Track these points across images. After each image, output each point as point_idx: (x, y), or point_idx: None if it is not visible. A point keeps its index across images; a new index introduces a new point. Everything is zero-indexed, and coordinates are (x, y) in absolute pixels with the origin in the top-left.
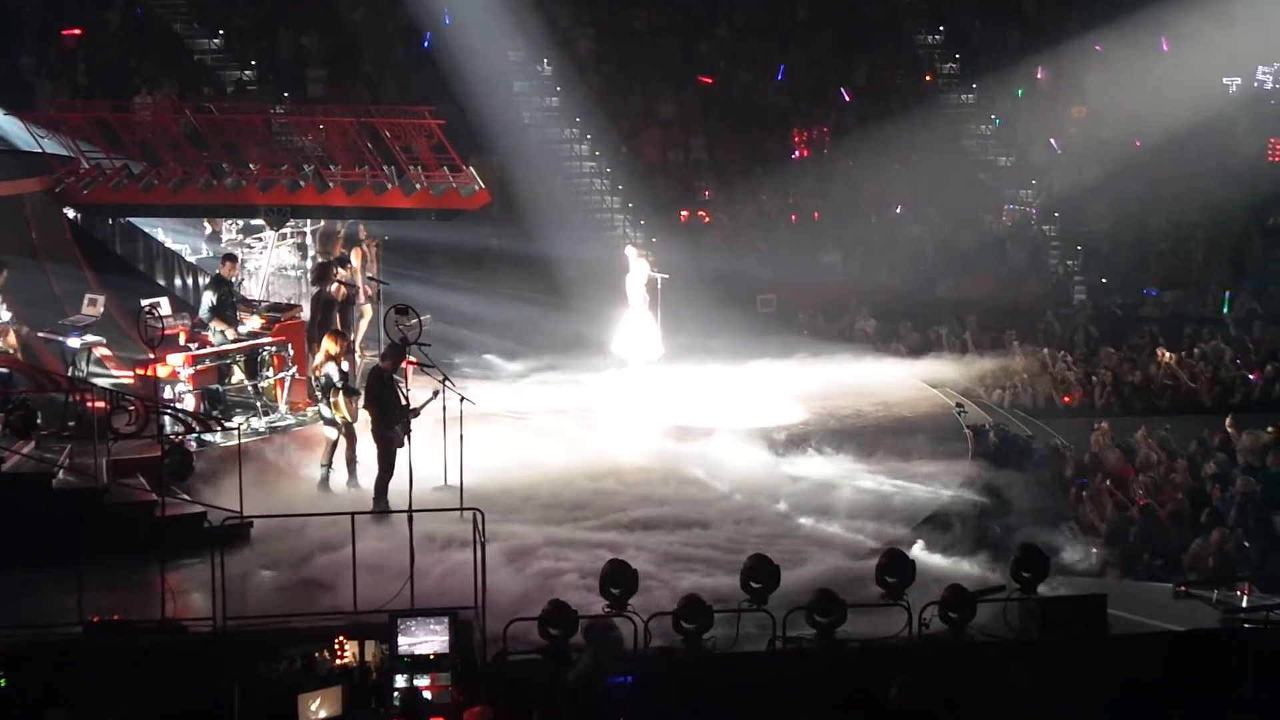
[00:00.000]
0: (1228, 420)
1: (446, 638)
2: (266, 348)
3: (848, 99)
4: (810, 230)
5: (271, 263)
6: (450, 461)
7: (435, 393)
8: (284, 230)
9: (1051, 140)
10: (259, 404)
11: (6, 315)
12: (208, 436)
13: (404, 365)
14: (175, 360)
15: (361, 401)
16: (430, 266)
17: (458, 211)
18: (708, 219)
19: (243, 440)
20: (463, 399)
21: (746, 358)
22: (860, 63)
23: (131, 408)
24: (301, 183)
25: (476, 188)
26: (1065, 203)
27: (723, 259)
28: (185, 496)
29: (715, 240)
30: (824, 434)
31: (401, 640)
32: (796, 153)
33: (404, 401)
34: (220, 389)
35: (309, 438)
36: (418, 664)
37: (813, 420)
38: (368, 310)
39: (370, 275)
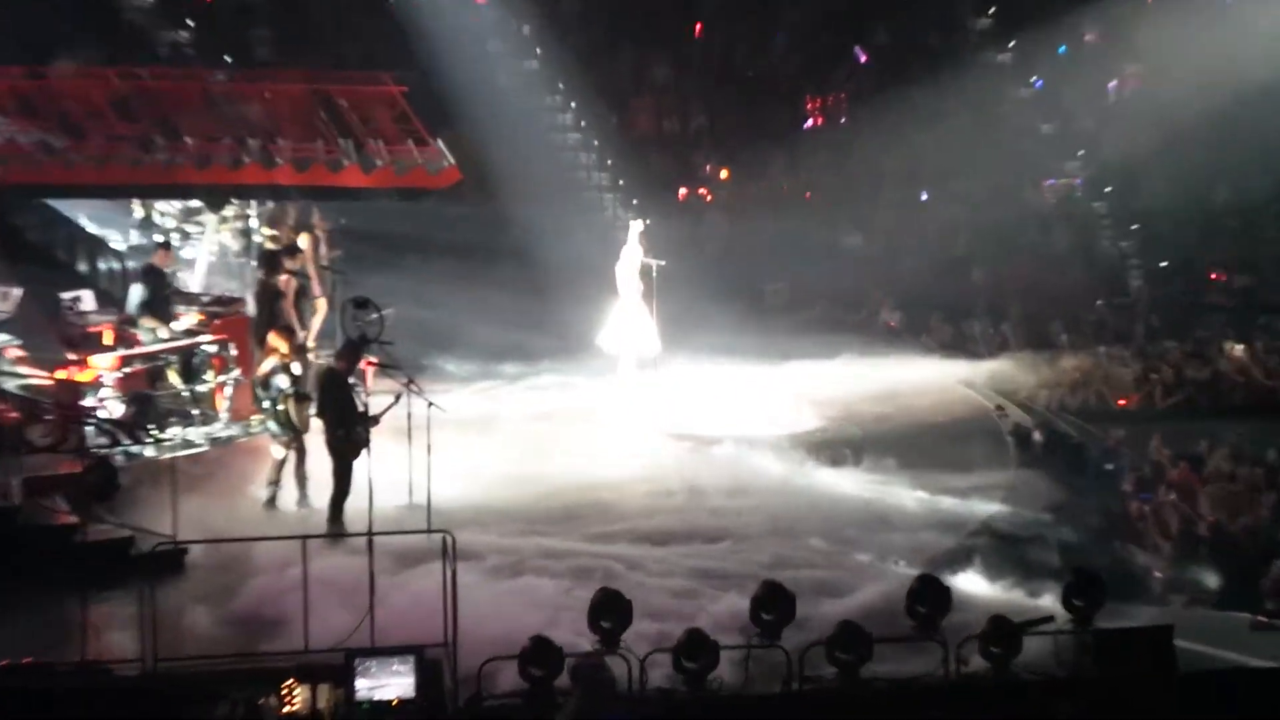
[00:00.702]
0: None
1: (412, 679)
2: (205, 348)
3: (865, 60)
4: (826, 210)
5: (211, 251)
6: (416, 476)
7: (398, 397)
8: (225, 213)
9: (1110, 85)
10: (196, 412)
11: None
12: (137, 450)
13: (362, 366)
14: (100, 362)
15: (314, 409)
16: (393, 254)
17: (424, 191)
18: (709, 197)
19: (178, 454)
20: (430, 404)
21: (754, 355)
22: (880, 19)
23: (49, 417)
24: (245, 159)
25: (445, 164)
26: (1118, 175)
27: (727, 243)
28: (110, 519)
29: (718, 222)
30: (844, 442)
31: (359, 683)
32: (810, 121)
33: (362, 408)
34: (152, 395)
35: (253, 451)
36: (378, 711)
37: (830, 426)
38: (321, 304)
39: (324, 264)
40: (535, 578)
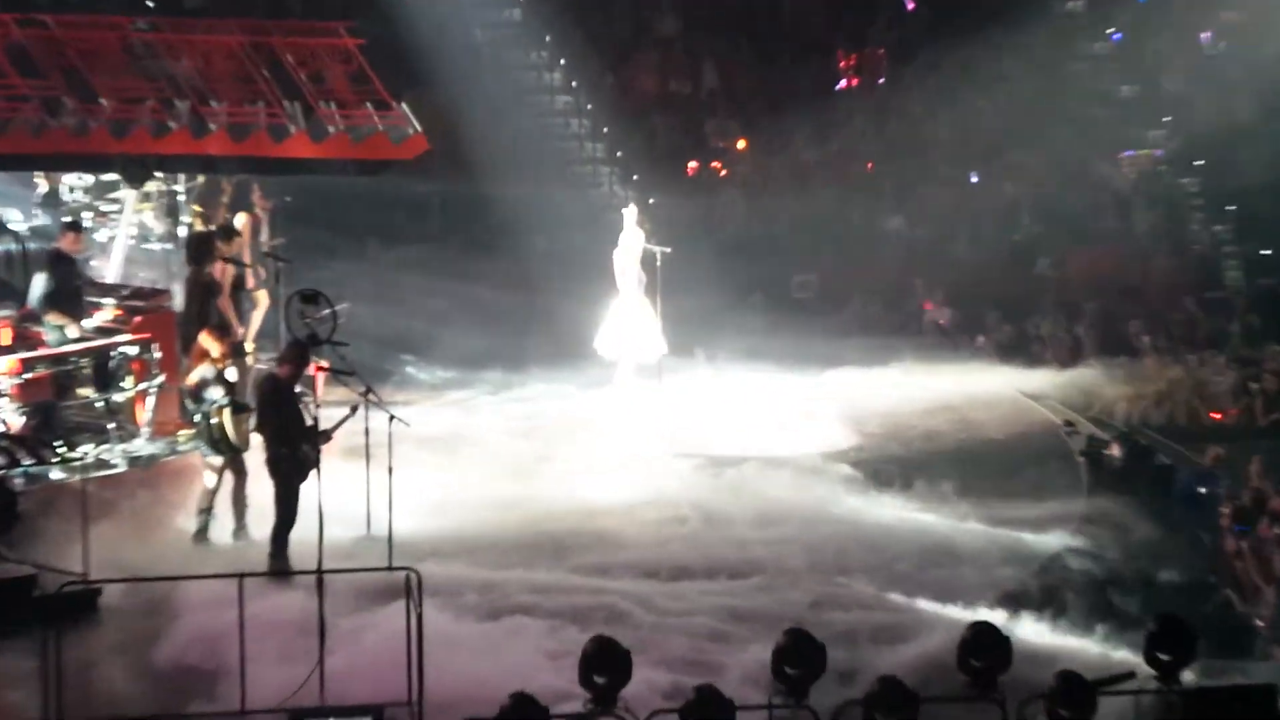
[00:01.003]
0: None
1: None
2: (123, 349)
3: (911, 7)
4: (864, 187)
5: (130, 234)
6: (376, 503)
7: (354, 409)
8: (147, 190)
9: (1202, 38)
10: (112, 427)
11: None
12: (40, 471)
13: (311, 372)
14: None
15: (253, 422)
16: (349, 239)
17: (386, 164)
18: (724, 172)
19: (90, 476)
20: (393, 418)
21: (778, 359)
22: None
23: None
24: (172, 125)
25: (410, 132)
26: (1210, 146)
27: (745, 226)
28: (8, 554)
29: (734, 201)
30: (886, 463)
31: None
32: (843, 82)
33: (311, 422)
34: (58, 406)
35: (181, 473)
36: None
37: (869, 444)
38: (262, 298)
39: (265, 251)
40: (519, 619)
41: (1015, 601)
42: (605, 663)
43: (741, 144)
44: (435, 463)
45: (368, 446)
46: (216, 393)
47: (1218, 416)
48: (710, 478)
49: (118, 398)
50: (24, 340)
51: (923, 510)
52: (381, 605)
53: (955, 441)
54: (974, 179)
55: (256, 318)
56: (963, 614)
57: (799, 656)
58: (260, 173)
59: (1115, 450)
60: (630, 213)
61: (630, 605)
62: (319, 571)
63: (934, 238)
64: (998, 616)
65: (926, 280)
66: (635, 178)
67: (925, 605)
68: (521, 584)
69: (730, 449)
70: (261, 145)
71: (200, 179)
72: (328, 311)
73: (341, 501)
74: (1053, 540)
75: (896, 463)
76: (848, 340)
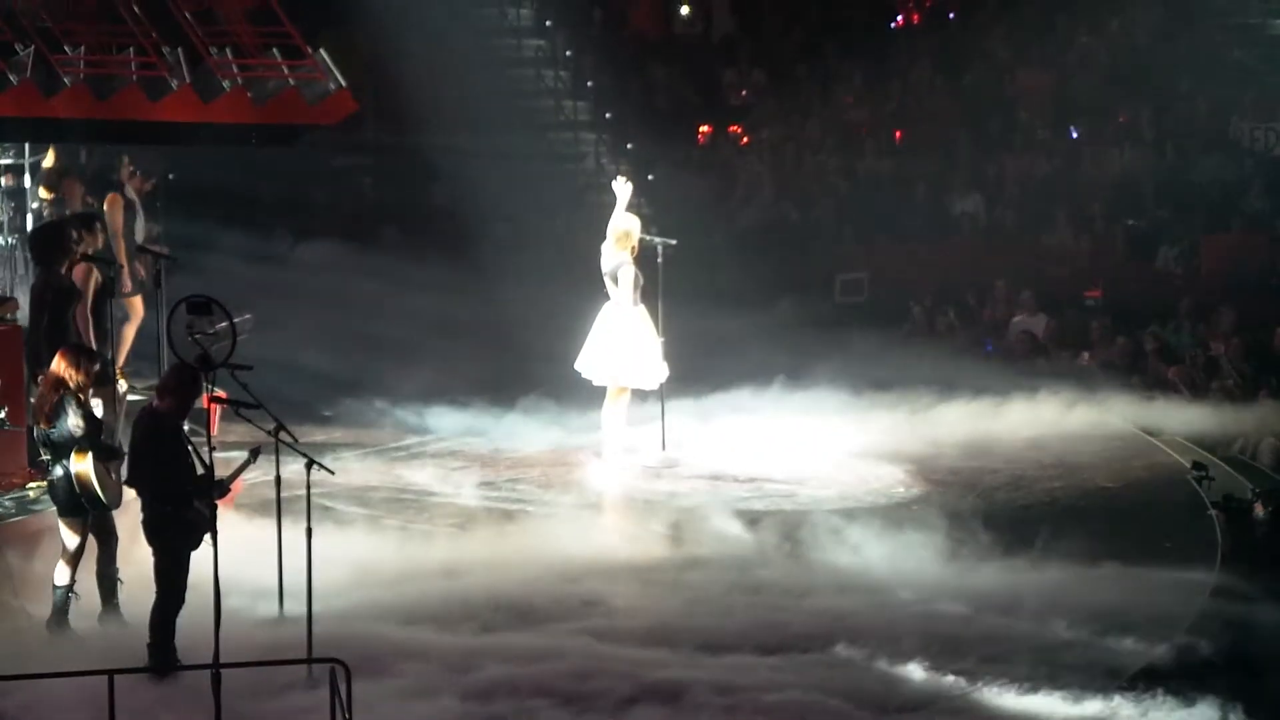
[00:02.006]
0: None
1: None
2: None
3: None
4: (925, 157)
5: None
6: (292, 574)
7: (255, 452)
8: None
9: None
10: None
11: None
12: None
13: (203, 404)
14: None
15: (126, 470)
16: (252, 229)
17: (300, 130)
18: (745, 139)
19: None
20: (312, 463)
21: (815, 380)
22: None
23: None
24: (12, 79)
25: (332, 87)
26: None
27: (771, 208)
28: None
29: (758, 175)
30: (957, 515)
31: None
32: (899, 19)
33: (204, 469)
34: None
35: (31, 536)
36: None
37: (937, 495)
38: (137, 307)
39: (140, 245)
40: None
41: (1130, 698)
42: None
43: (768, 102)
44: (368, 524)
45: (279, 500)
46: (75, 430)
47: None
48: (729, 526)
49: None
50: None
51: (1005, 571)
52: (297, 709)
53: (1048, 491)
54: (1075, 133)
55: (129, 333)
56: (1066, 707)
57: None
58: (131, 143)
59: (1260, 509)
60: (623, 188)
61: (621, 684)
62: (215, 666)
63: (1022, 222)
64: (1106, 708)
65: (1012, 279)
66: (629, 147)
67: (1004, 698)
68: (496, 649)
69: (759, 496)
70: (132, 106)
71: (50, 152)
72: (224, 325)
73: (245, 573)
74: (1178, 610)
75: (973, 517)
76: (908, 358)
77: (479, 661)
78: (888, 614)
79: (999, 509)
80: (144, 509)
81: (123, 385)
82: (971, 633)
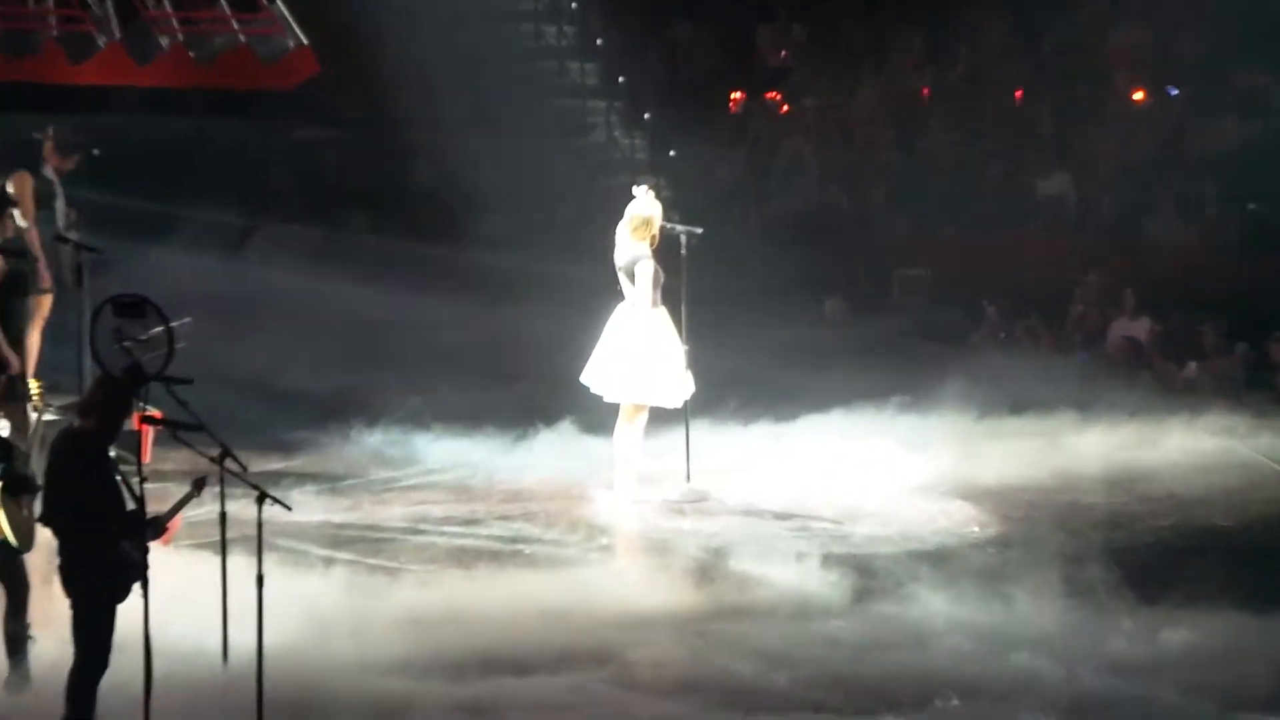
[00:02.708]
0: None
1: None
2: None
3: None
4: (1000, 131)
5: None
6: (240, 628)
7: (199, 484)
8: None
9: None
10: None
11: None
12: None
13: (134, 426)
14: None
15: (40, 507)
16: (194, 214)
17: (253, 95)
18: (785, 108)
19: None
20: (264, 496)
21: (865, 397)
22: None
23: None
24: None
25: (291, 45)
26: None
27: (817, 193)
28: None
29: (799, 153)
30: (1043, 559)
31: None
32: None
33: (133, 503)
34: None
35: None
36: None
37: (1016, 532)
38: (43, 306)
39: (61, 233)
40: None
41: None
42: None
43: (810, 67)
44: (329, 564)
45: (224, 542)
46: None
47: None
48: (780, 574)
49: None
50: None
51: (1095, 623)
52: None
53: (1153, 530)
54: (1179, 105)
55: (35, 338)
56: None
57: None
58: (49, 112)
59: None
60: (644, 195)
61: None
62: None
63: (1119, 208)
64: None
65: (1107, 275)
66: (646, 117)
67: None
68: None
69: (803, 536)
70: (52, 67)
71: None
72: (159, 330)
73: (184, 629)
74: None
75: (1063, 559)
76: (980, 371)
77: None
78: (976, 673)
79: (1094, 552)
80: (61, 552)
81: (36, 403)
82: (1065, 694)
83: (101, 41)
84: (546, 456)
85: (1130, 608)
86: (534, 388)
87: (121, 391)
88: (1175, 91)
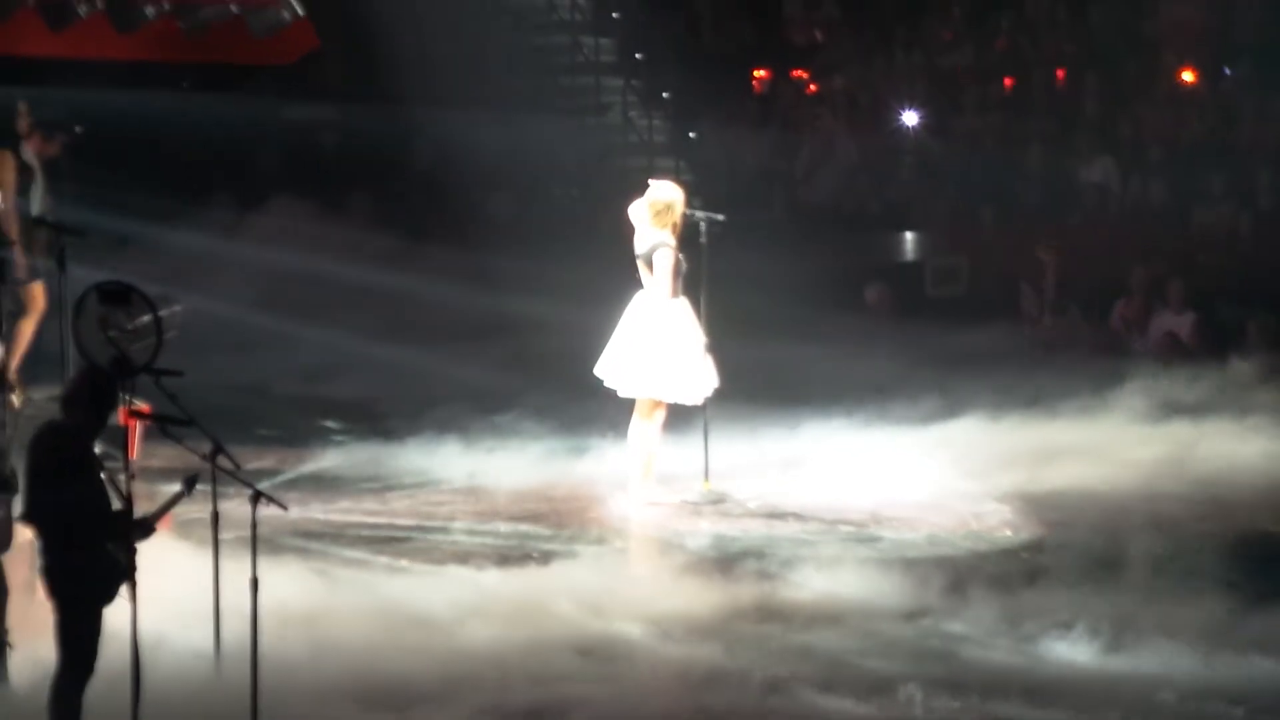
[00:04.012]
0: None
1: None
2: None
3: None
4: (1043, 112)
5: None
6: (231, 630)
7: (191, 481)
8: None
9: None
10: None
11: None
12: None
13: (121, 421)
14: None
15: (21, 505)
16: (184, 197)
17: (247, 71)
18: (813, 87)
19: None
20: (259, 496)
21: (894, 394)
22: None
23: None
24: None
25: (287, 18)
26: None
27: (844, 177)
28: None
29: (828, 135)
30: (1079, 564)
31: None
32: None
33: (121, 501)
34: None
35: None
36: None
37: (1053, 534)
38: (36, 297)
39: (39, 217)
40: None
41: None
42: None
43: (842, 43)
44: (326, 567)
45: (217, 543)
46: None
47: None
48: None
49: None
50: None
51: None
52: None
53: (1197, 535)
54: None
55: (27, 330)
56: None
57: None
58: (27, 85)
59: None
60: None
61: None
62: None
63: (1166, 194)
64: None
65: (1153, 266)
66: (665, 96)
67: None
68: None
69: (829, 539)
70: (28, 37)
71: None
72: (147, 319)
73: (175, 632)
74: None
75: (1101, 565)
76: (1019, 365)
77: None
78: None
79: (1133, 558)
80: (43, 554)
81: (17, 397)
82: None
83: (82, 11)
84: (555, 450)
85: (1176, 619)
86: (538, 373)
87: (106, 383)
88: (1230, 72)
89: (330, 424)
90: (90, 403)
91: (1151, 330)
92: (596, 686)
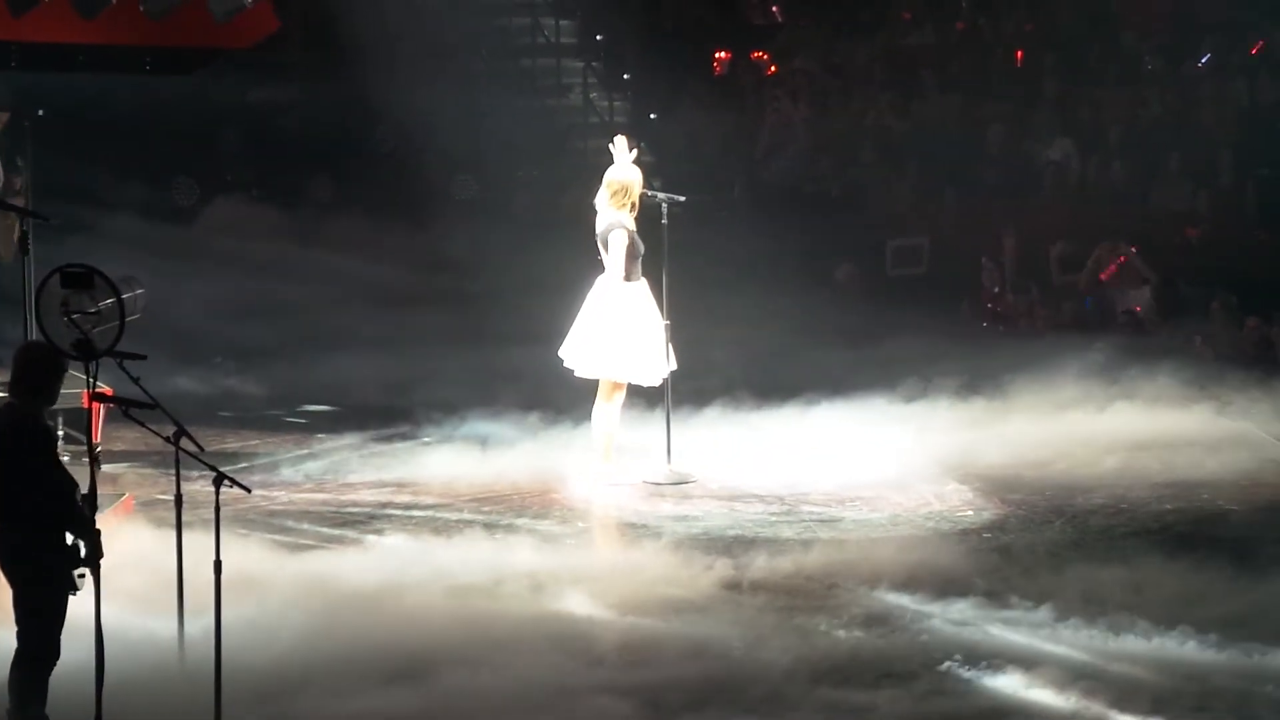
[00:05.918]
0: None
1: None
2: None
3: None
4: (1002, 93)
5: None
6: (195, 620)
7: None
8: None
9: None
10: None
11: None
12: None
13: (82, 404)
14: None
15: None
16: (143, 180)
17: (206, 54)
18: (773, 68)
19: None
20: (222, 478)
21: (856, 382)
22: None
23: None
24: None
25: (247, 1)
26: None
27: (807, 159)
28: None
29: (788, 116)
30: (1039, 546)
31: None
32: None
33: (82, 493)
34: None
35: None
36: None
37: (1015, 515)
38: None
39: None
40: None
41: None
42: None
43: (803, 22)
44: (287, 550)
45: (180, 526)
46: None
47: None
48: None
49: None
50: None
51: (1080, 634)
52: None
53: (1154, 515)
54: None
55: None
56: None
57: None
58: None
59: None
60: (621, 146)
61: None
62: None
63: (1126, 174)
64: None
65: (1113, 244)
66: (626, 78)
67: None
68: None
69: (789, 521)
70: None
71: None
72: (110, 302)
73: (138, 622)
74: None
75: (1060, 549)
76: (977, 344)
77: None
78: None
79: (1094, 538)
80: (3, 535)
81: None
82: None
83: None
84: (517, 433)
85: (1130, 598)
86: (500, 356)
87: (44, 354)
88: (1197, 63)
89: (287, 408)
90: (33, 377)
91: (1112, 307)
92: (553, 662)
